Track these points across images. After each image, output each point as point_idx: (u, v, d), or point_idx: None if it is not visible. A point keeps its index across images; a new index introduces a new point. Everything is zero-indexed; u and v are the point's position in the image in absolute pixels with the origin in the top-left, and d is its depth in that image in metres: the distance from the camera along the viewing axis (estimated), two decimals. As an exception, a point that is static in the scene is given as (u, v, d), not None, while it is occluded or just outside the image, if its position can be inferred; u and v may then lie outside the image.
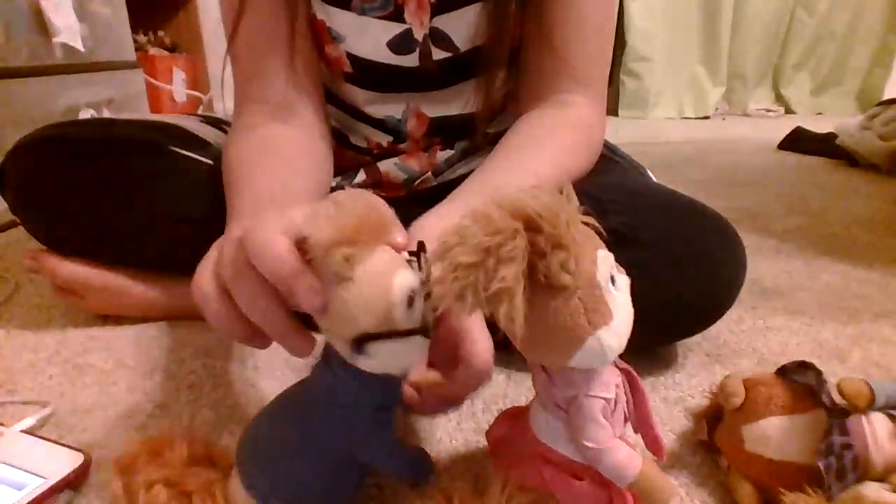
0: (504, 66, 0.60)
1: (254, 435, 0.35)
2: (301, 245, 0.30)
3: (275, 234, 0.30)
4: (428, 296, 0.30)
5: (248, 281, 0.31)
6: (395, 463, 0.34)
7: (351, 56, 0.61)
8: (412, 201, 0.69)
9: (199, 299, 0.35)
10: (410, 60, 0.61)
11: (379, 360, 0.30)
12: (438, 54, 0.60)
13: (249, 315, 0.32)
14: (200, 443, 0.38)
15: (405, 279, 0.30)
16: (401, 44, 0.60)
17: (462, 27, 0.59)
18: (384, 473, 0.36)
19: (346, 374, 0.32)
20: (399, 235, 0.32)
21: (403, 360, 0.31)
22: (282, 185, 0.49)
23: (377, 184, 0.70)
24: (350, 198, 0.30)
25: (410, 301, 0.29)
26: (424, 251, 0.31)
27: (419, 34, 0.59)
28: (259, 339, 0.34)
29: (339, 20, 0.59)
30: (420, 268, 0.31)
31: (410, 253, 0.32)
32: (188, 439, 0.38)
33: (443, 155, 0.68)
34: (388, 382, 0.33)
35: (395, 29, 0.59)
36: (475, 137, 0.66)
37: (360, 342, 0.29)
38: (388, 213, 0.31)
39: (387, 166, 0.69)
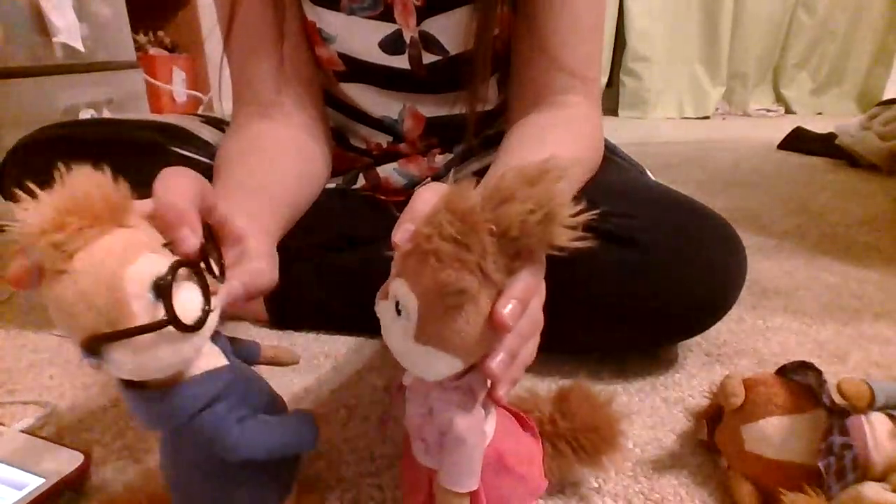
0: (489, 70, 0.59)
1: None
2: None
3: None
4: (205, 290, 0.27)
5: None
6: (266, 448, 0.30)
7: (343, 56, 0.61)
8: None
9: None
10: (401, 62, 0.61)
11: (124, 364, 0.25)
12: (429, 58, 0.60)
13: None
14: (158, 494, 0.36)
15: (146, 266, 0.25)
16: (392, 44, 0.60)
17: (451, 30, 0.58)
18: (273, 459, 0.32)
19: (124, 391, 0.28)
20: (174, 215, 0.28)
21: (158, 360, 0.26)
22: (257, 180, 0.48)
23: (377, 188, 0.70)
24: (71, 176, 0.26)
25: (160, 291, 0.25)
26: (212, 239, 0.28)
27: (407, 36, 0.59)
28: None
29: (329, 20, 0.59)
30: (205, 259, 0.27)
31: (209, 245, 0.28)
32: (146, 493, 0.36)
33: (442, 159, 0.68)
34: (187, 386, 0.28)
35: (386, 29, 0.59)
36: (468, 140, 0.66)
37: (91, 346, 0.24)
38: (123, 192, 0.27)
39: (387, 172, 0.69)
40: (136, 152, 0.62)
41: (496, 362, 0.29)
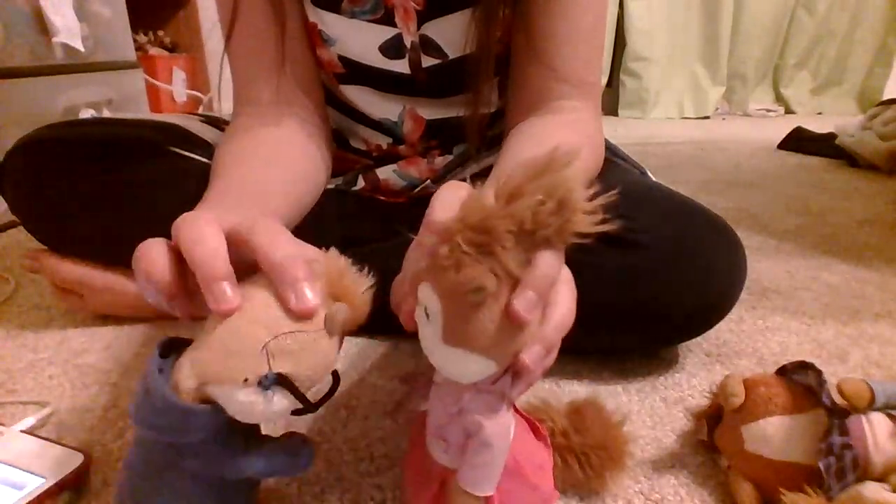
0: (492, 73, 0.58)
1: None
2: (235, 238, 0.30)
3: (207, 227, 0.30)
4: None
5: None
6: (265, 468, 0.32)
7: (343, 59, 0.61)
8: (413, 206, 0.69)
9: (140, 251, 0.32)
10: (401, 66, 0.60)
11: (241, 405, 0.28)
12: (428, 61, 0.60)
13: (189, 254, 0.30)
14: None
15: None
16: (392, 48, 0.59)
17: (450, 34, 0.58)
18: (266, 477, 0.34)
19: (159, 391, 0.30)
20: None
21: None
22: (255, 182, 0.48)
23: (377, 189, 0.70)
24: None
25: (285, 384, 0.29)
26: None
27: (408, 41, 0.59)
28: (182, 302, 0.32)
29: (330, 23, 0.59)
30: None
31: None
32: None
33: (441, 161, 0.68)
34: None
35: (387, 33, 0.58)
36: (469, 144, 0.66)
37: (264, 381, 0.28)
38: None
39: (386, 174, 0.69)
40: (135, 152, 0.62)
41: (531, 354, 0.29)
